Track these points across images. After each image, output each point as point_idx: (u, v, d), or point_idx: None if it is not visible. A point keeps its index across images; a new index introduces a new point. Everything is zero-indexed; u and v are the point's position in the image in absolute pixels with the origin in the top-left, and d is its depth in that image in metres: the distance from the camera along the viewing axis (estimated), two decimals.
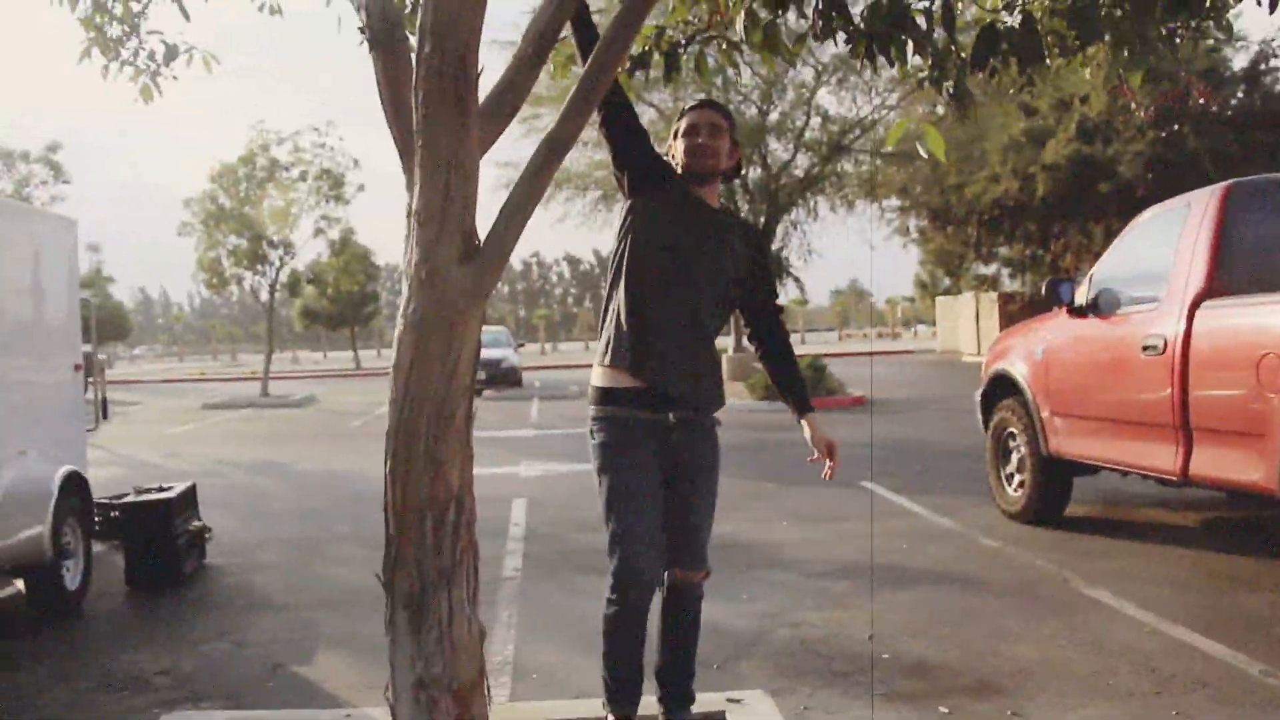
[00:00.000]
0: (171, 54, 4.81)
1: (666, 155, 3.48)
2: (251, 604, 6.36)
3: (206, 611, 6.20)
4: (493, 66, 3.05)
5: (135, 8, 4.73)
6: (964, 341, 38.31)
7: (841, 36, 3.37)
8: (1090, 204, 28.19)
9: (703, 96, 3.81)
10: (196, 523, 7.30)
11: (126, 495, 7.21)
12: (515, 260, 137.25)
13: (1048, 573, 6.41)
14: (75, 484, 6.49)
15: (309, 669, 5.01)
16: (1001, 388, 8.43)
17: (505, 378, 26.44)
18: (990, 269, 40.75)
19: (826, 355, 25.42)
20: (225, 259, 25.52)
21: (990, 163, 28.93)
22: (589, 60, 2.81)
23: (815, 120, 22.52)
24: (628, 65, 4.22)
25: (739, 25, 3.56)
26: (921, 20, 3.37)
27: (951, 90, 3.54)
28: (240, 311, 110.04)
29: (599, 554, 3.48)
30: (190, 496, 7.36)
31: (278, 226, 25.65)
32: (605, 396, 3.35)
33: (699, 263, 3.33)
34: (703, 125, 3.39)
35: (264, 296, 26.48)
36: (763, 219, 22.28)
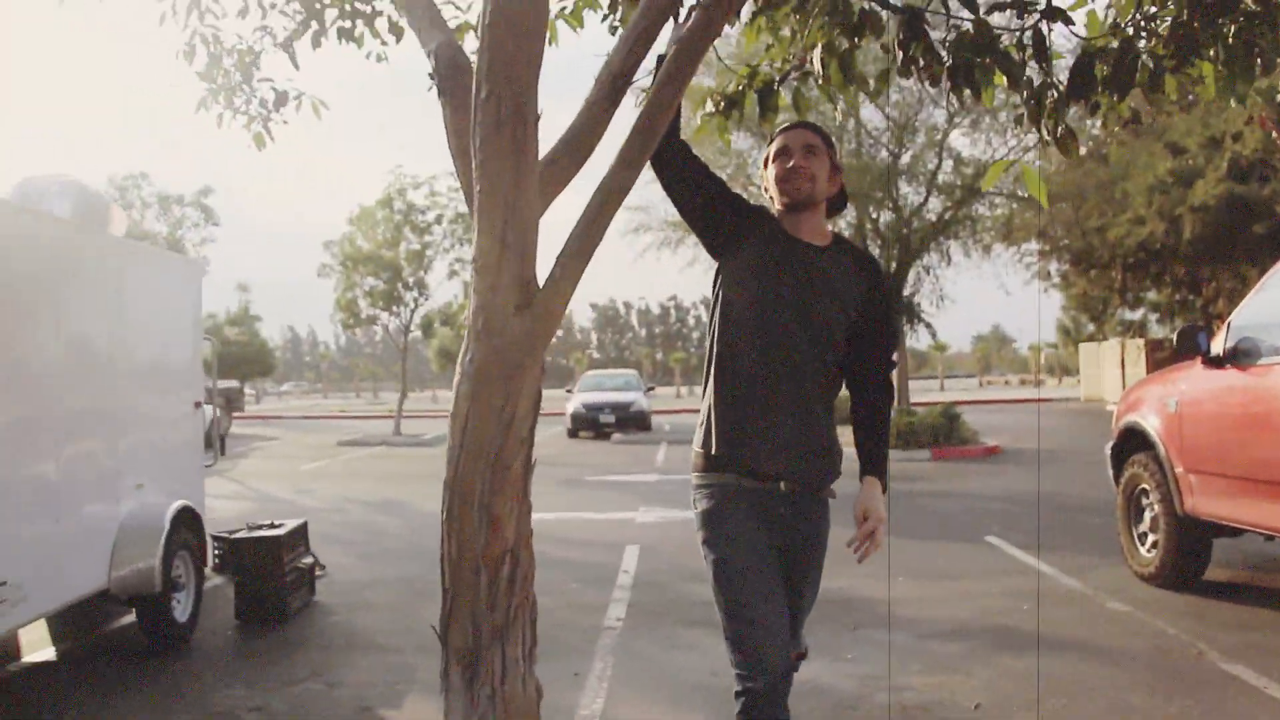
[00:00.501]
0: (281, 100, 4.95)
1: (762, 192, 3.19)
2: (352, 644, 6.41)
3: (307, 650, 6.27)
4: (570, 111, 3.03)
5: (248, 58, 4.89)
6: (1108, 389, 36.89)
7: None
8: (1243, 246, 26.84)
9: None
10: (307, 559, 7.42)
11: (239, 531, 7.39)
12: (652, 304, 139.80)
13: (1180, 643, 5.99)
14: (188, 518, 6.67)
15: (396, 712, 5.00)
16: (1133, 442, 7.98)
17: (633, 421, 26.52)
18: (1136, 314, 39.16)
19: (963, 402, 24.71)
20: (362, 299, 26.34)
21: (1134, 204, 27.87)
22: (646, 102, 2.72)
23: (948, 163, 22.08)
24: (721, 105, 4.16)
25: (816, 59, 3.45)
26: (1015, 50, 3.21)
27: (1050, 128, 3.34)
28: (383, 350, 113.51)
29: (707, 606, 3.30)
30: (301, 533, 7.50)
31: (413, 268, 26.37)
32: (707, 462, 2.99)
33: (798, 315, 2.93)
34: (795, 147, 3.02)
35: (400, 337, 27.21)
36: (894, 264, 21.89)
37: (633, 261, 55.30)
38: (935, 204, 22.46)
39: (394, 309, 26.63)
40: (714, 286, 3.08)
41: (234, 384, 32.62)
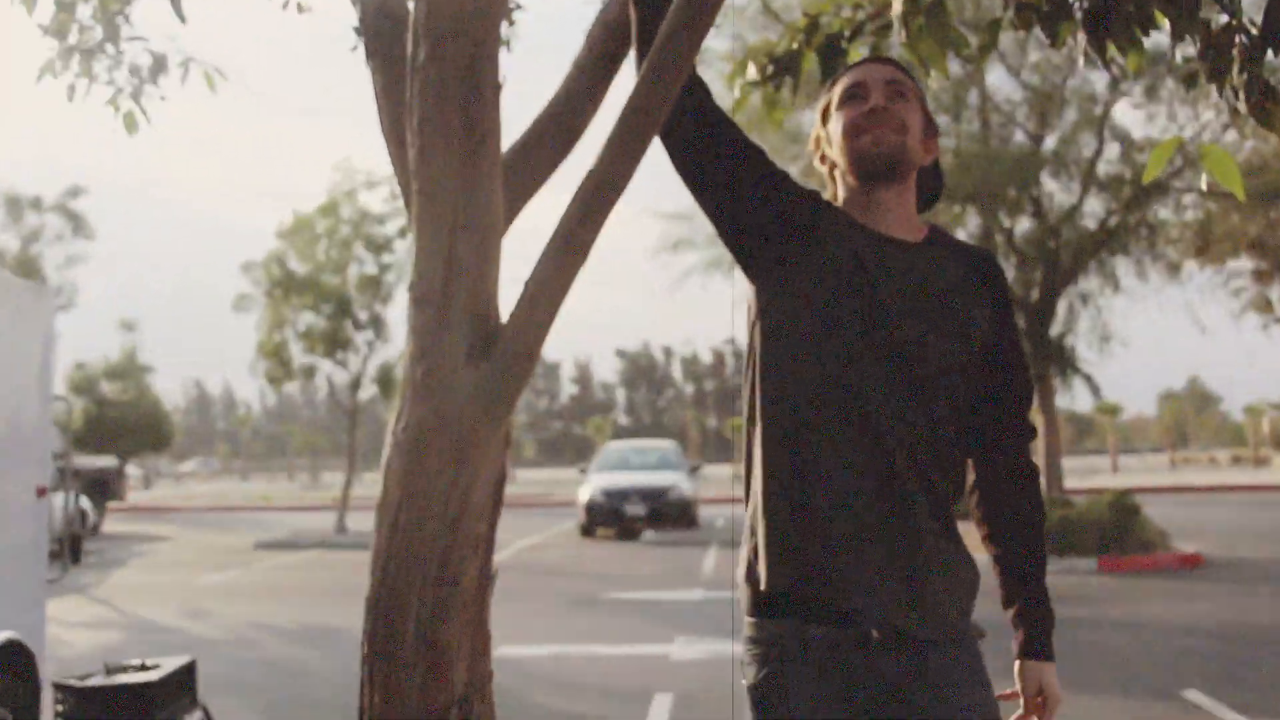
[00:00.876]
0: (159, 66, 5.01)
1: (819, 166, 2.99)
2: None
3: None
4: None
5: (112, 6, 4.94)
6: None
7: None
8: None
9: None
10: (192, 716, 7.40)
11: (93, 675, 7.39)
12: (702, 349, 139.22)
13: None
14: (13, 659, 6.64)
15: None
16: None
17: (672, 514, 26.38)
18: None
19: (1146, 489, 24.47)
20: (296, 343, 26.54)
21: None
22: (646, 56, 2.73)
23: (1112, 147, 22.06)
24: (769, 71, 4.19)
25: (896, 5, 3.47)
26: None
27: (1239, 90, 3.32)
28: (326, 414, 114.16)
29: None
30: (184, 678, 7.48)
31: (367, 300, 26.59)
32: (756, 603, 2.72)
33: (893, 360, 2.66)
34: (874, 82, 2.81)
35: (349, 395, 27.35)
36: (1037, 291, 21.80)
37: (671, 292, 55.52)
38: (1096, 206, 22.42)
39: (340, 356, 26.80)
40: (751, 327, 2.85)
41: (110, 462, 32.80)
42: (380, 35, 3.06)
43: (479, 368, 2.69)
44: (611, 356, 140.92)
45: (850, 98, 2.83)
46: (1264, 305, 34.89)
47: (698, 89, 2.80)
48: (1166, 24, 3.25)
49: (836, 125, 2.85)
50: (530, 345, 2.72)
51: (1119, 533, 18.48)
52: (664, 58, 2.54)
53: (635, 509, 25.97)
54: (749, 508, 2.83)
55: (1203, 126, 20.62)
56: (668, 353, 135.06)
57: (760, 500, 2.74)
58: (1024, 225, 22.38)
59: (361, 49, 3.13)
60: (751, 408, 2.83)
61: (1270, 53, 3.22)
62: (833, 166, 2.90)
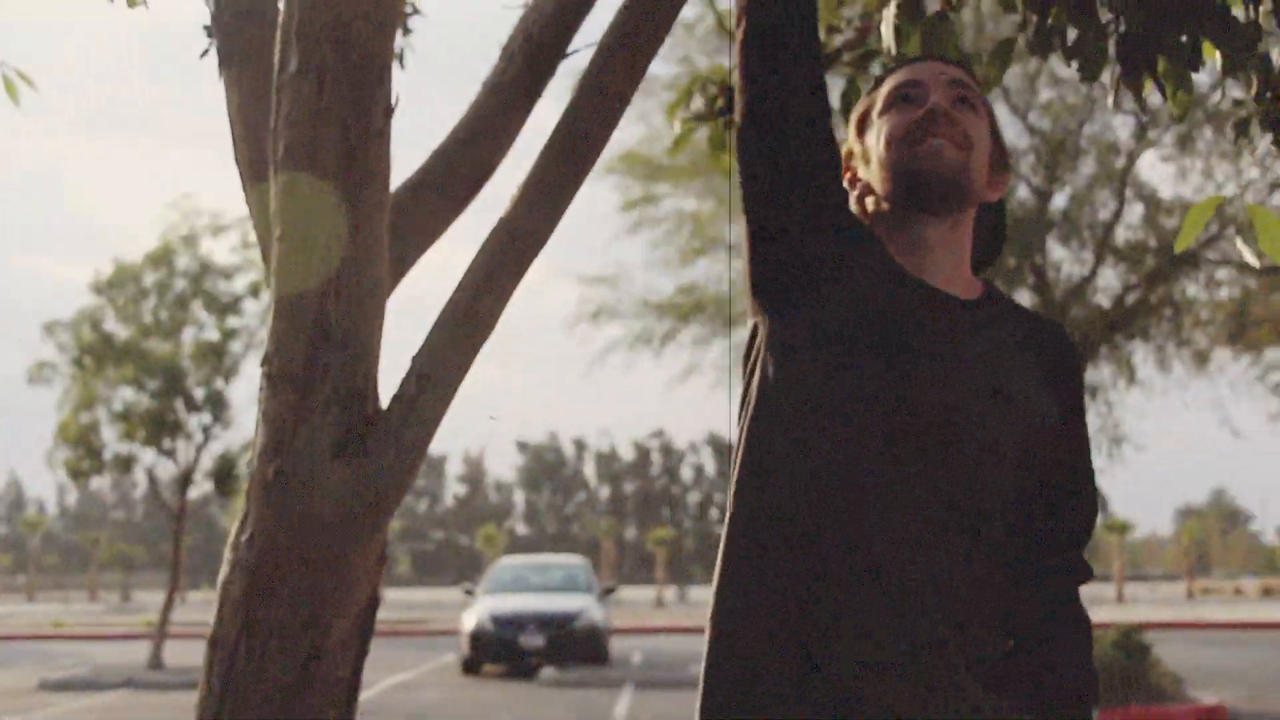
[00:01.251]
0: None
1: (850, 190, 2.74)
2: None
3: None
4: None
5: None
6: None
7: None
8: None
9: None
10: None
11: None
12: (621, 444, 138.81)
13: None
14: None
15: None
16: None
17: (579, 646, 26.33)
18: None
19: (1159, 625, 24.66)
20: (109, 426, 26.26)
21: None
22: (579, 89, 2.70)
23: (1135, 208, 22.40)
24: (719, 104, 4.19)
25: (885, 30, 3.48)
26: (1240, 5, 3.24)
27: None
28: (144, 516, 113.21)
29: None
30: None
31: (205, 373, 26.42)
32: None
33: (941, 441, 2.48)
34: (933, 81, 2.62)
35: (175, 493, 27.10)
36: None
37: (587, 372, 55.63)
38: (1111, 279, 22.72)
39: (167, 444, 26.55)
40: (753, 375, 2.63)
41: None
42: (238, 38, 3.02)
43: (350, 466, 2.64)
44: (510, 450, 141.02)
45: (901, 100, 2.60)
46: None
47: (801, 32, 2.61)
48: (1217, 57, 3.27)
49: (878, 134, 2.61)
50: (417, 439, 2.68)
51: (1125, 678, 18.61)
52: (601, 79, 2.51)
53: (532, 640, 25.87)
54: (712, 626, 2.58)
55: (1246, 185, 20.98)
56: (580, 446, 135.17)
57: (738, 611, 2.53)
58: (1026, 298, 22.62)
59: (213, 55, 3.08)
60: (742, 487, 2.59)
61: None
62: (865, 191, 2.67)
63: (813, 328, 2.54)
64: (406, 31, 4.88)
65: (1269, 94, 3.37)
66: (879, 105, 2.65)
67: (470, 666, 25.95)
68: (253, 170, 2.95)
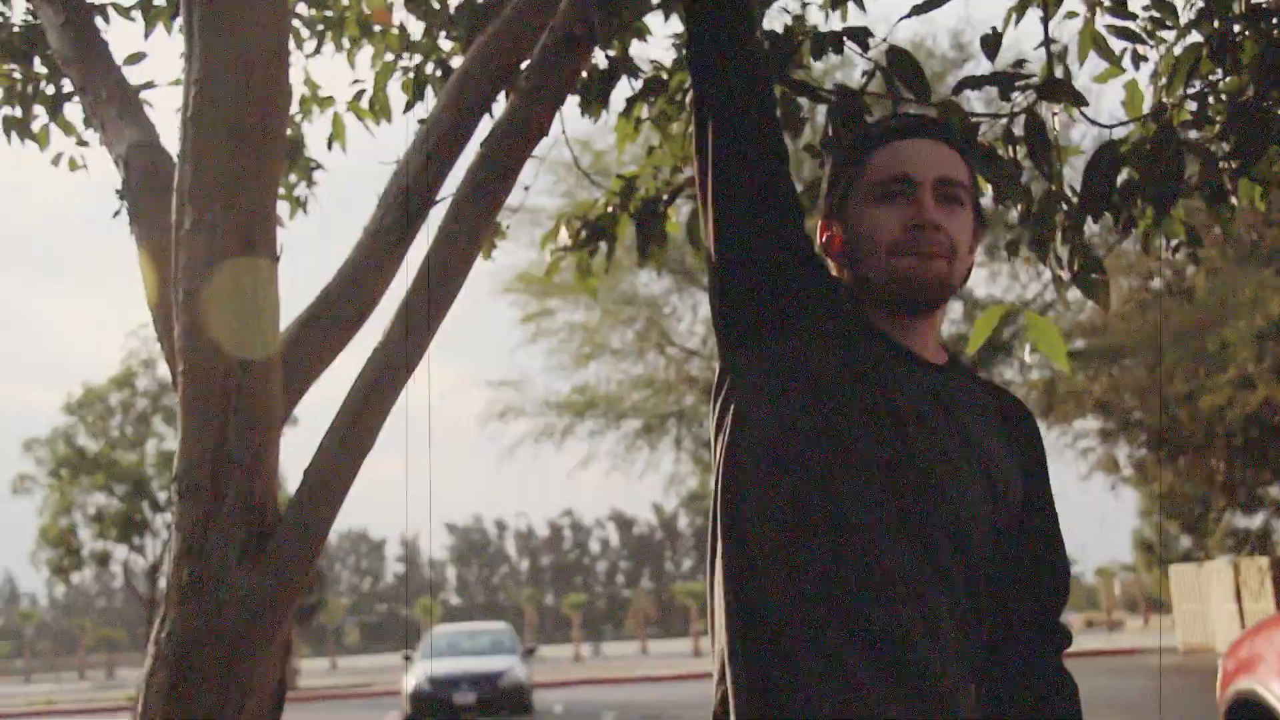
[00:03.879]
0: None
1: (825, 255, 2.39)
2: None
3: None
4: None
5: None
6: (1220, 633, 37.26)
7: None
8: None
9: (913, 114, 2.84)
10: None
11: None
12: (538, 523, 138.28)
13: None
14: None
15: None
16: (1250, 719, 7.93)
17: (506, 700, 26.05)
18: (1254, 520, 39.88)
19: None
20: (85, 528, 25.87)
21: (1237, 358, 28.68)
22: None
23: (954, 305, 22.66)
24: (582, 236, 4.18)
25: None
26: (1003, 146, 3.27)
27: (1062, 259, 3.39)
28: (124, 603, 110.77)
29: None
30: None
31: (167, 478, 26.08)
32: None
33: (921, 510, 2.14)
34: (923, 178, 2.22)
35: (148, 583, 26.65)
36: None
37: (500, 463, 55.18)
38: None
39: (137, 540, 26.17)
40: (723, 421, 2.26)
41: None
42: (144, 198, 2.97)
43: (254, 569, 2.58)
44: (442, 530, 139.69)
45: (892, 194, 2.22)
46: (1111, 465, 35.91)
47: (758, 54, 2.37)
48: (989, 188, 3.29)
49: (870, 223, 2.23)
50: (311, 544, 2.63)
51: None
52: (460, 224, 2.49)
53: (465, 697, 25.55)
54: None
55: (1044, 286, 21.33)
56: (500, 526, 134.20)
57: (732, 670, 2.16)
58: None
59: (125, 214, 3.04)
60: (713, 558, 2.23)
61: (1090, 221, 3.30)
62: (844, 257, 2.31)
63: (782, 367, 2.21)
64: (311, 184, 4.86)
65: (1032, 218, 3.41)
66: (870, 184, 2.25)
67: None
68: (161, 313, 2.90)
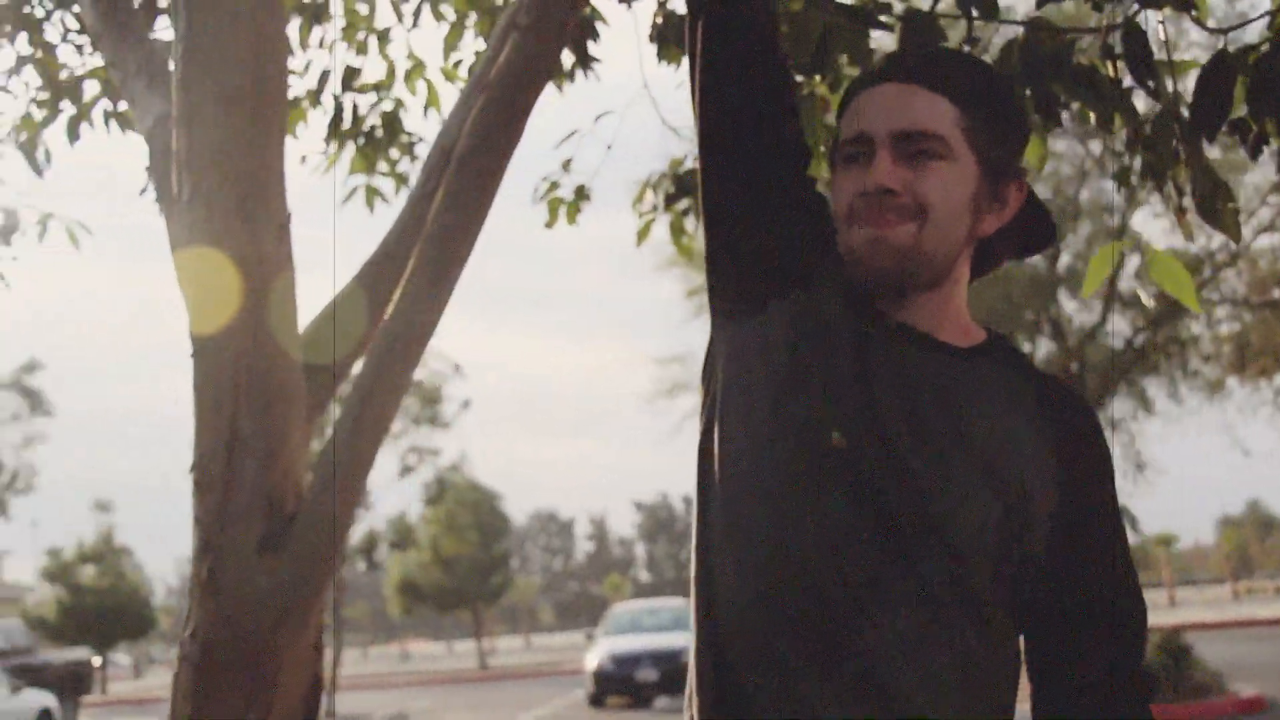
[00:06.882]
0: (10, 226, 4.85)
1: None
2: None
3: None
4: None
5: None
6: None
7: None
8: None
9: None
10: None
11: None
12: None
13: None
14: None
15: None
16: None
17: (687, 676, 26.14)
18: None
19: (1201, 625, 23.97)
20: None
21: None
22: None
23: (1133, 259, 21.95)
24: (671, 192, 4.00)
25: None
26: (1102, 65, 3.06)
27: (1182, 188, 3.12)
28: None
29: None
30: None
31: None
32: None
33: (915, 517, 1.86)
34: (878, 135, 1.92)
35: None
36: None
37: (670, 436, 55.21)
38: (1121, 324, 22.29)
39: None
40: (706, 407, 2.07)
41: (82, 654, 32.25)
42: (168, 177, 2.83)
43: (274, 562, 2.44)
44: (631, 508, 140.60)
45: (853, 157, 1.95)
46: None
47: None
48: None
49: (835, 192, 1.98)
50: (333, 534, 2.46)
51: (1170, 678, 18.03)
52: (463, 180, 2.29)
53: (647, 674, 25.57)
54: (691, 678, 1.99)
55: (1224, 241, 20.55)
56: (688, 502, 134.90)
57: (695, 678, 1.96)
58: (1045, 348, 22.25)
59: (152, 191, 2.91)
60: (702, 551, 1.99)
61: (1205, 142, 2.99)
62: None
63: (764, 353, 1.96)
64: (414, 158, 4.76)
65: (1142, 143, 3.15)
66: (839, 153, 2.00)
67: (595, 700, 25.77)
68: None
